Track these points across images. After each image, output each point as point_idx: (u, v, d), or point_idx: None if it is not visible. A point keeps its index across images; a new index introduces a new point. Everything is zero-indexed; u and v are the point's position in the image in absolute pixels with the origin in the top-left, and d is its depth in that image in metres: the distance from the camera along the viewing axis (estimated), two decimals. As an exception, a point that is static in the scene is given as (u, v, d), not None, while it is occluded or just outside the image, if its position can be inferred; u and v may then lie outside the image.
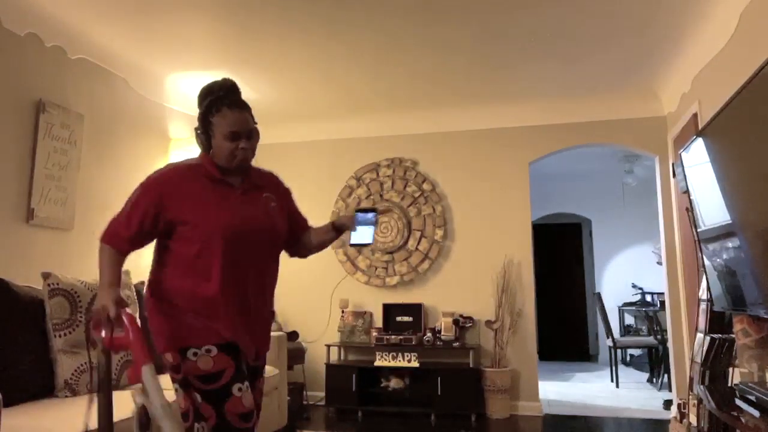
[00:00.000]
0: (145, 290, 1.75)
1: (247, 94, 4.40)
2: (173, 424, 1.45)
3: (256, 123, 1.75)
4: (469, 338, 4.66)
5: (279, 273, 1.87)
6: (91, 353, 1.57)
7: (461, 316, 4.62)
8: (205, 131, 1.70)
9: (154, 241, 1.75)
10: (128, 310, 1.58)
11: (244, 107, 1.71)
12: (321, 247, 1.94)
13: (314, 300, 5.06)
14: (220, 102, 1.68)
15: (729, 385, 2.53)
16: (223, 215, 1.67)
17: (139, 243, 1.70)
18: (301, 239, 1.95)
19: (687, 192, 2.79)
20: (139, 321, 1.55)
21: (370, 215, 1.81)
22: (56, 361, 2.41)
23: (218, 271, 1.64)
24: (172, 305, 1.66)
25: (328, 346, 4.65)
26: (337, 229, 1.87)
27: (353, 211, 1.80)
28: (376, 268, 4.93)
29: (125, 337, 1.51)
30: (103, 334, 1.53)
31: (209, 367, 1.61)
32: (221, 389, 1.60)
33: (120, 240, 1.68)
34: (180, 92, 4.27)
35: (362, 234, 1.81)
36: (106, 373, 1.55)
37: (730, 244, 2.31)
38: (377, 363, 4.49)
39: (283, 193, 1.91)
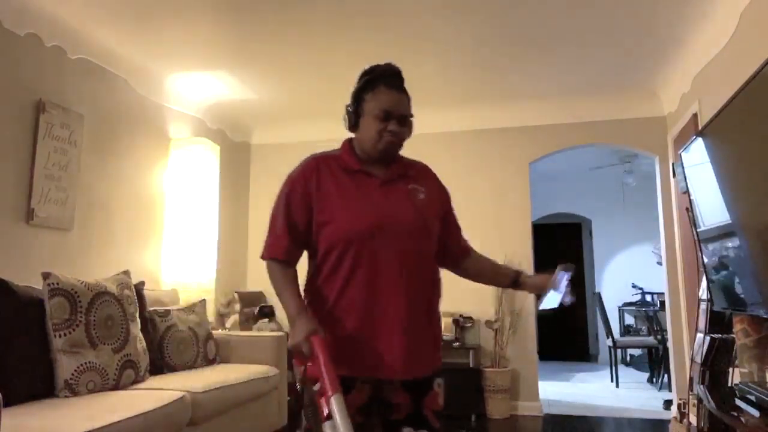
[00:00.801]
0: None
1: (247, 94, 4.40)
2: None
3: (412, 116, 1.59)
4: (469, 338, 4.66)
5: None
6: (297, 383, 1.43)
7: (461, 316, 4.62)
8: (355, 109, 1.56)
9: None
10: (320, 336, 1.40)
11: (404, 92, 1.56)
12: (478, 281, 1.73)
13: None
14: (380, 80, 1.54)
15: (729, 385, 2.53)
16: (360, 210, 1.50)
17: (300, 246, 1.55)
18: (452, 254, 1.70)
19: (687, 192, 2.79)
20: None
21: (567, 276, 1.52)
22: (56, 361, 2.41)
23: (349, 275, 1.47)
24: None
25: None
26: (519, 285, 1.61)
27: (556, 273, 1.52)
28: (376, 268, 4.92)
29: (316, 366, 1.35)
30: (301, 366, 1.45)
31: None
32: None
33: (279, 248, 1.54)
34: (180, 92, 4.27)
35: (550, 299, 1.52)
36: (311, 405, 1.39)
37: (729, 244, 2.31)
38: (377, 363, 4.48)
39: (436, 189, 1.67)
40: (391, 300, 1.46)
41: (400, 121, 1.53)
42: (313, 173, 1.55)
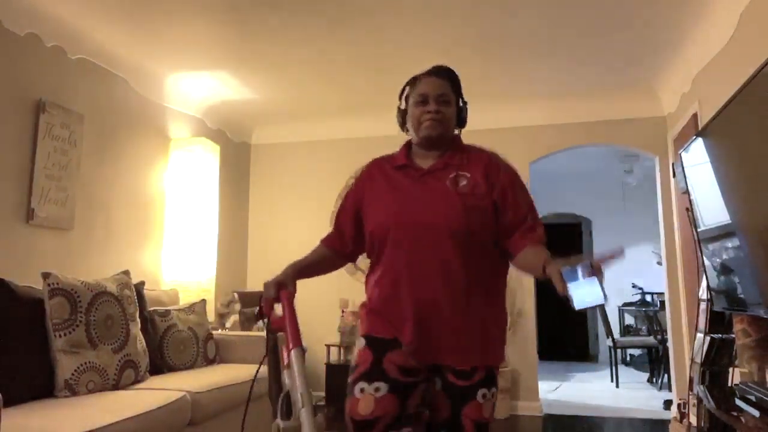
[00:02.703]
0: None
1: (247, 94, 4.40)
2: (311, 415, 1.29)
3: (464, 102, 1.64)
4: (469, 338, 4.65)
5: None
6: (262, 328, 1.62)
7: (461, 316, 4.61)
8: (403, 109, 1.65)
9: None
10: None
11: (442, 75, 1.59)
12: (525, 272, 1.56)
13: (314, 300, 5.05)
14: (420, 76, 1.62)
15: (729, 385, 2.53)
16: (389, 208, 1.56)
17: (347, 242, 1.70)
18: (508, 242, 1.55)
19: (687, 192, 2.79)
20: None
21: (585, 269, 1.35)
22: (56, 361, 2.41)
23: (383, 268, 1.55)
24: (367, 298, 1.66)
25: (328, 346, 4.65)
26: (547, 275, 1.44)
27: (560, 268, 1.39)
28: (376, 268, 4.91)
29: (282, 318, 1.49)
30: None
31: (355, 358, 1.53)
32: (349, 384, 1.49)
33: (326, 238, 1.75)
34: (180, 92, 4.27)
35: (585, 293, 1.33)
36: (272, 347, 1.58)
37: (729, 244, 2.31)
38: (377, 363, 4.48)
39: (484, 174, 1.55)
40: (414, 289, 1.50)
41: (438, 101, 1.56)
42: (366, 178, 1.68)
